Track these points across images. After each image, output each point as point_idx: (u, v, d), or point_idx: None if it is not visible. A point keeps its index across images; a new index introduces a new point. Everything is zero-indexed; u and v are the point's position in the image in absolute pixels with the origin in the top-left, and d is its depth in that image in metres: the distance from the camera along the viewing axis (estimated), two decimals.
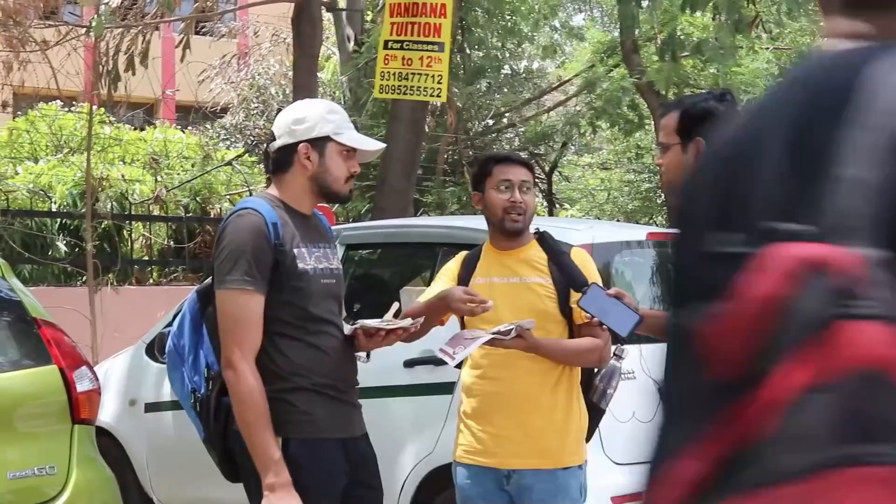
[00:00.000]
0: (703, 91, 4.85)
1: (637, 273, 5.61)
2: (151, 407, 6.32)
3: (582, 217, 18.66)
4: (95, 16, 9.19)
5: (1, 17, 9.95)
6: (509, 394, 3.73)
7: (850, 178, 0.89)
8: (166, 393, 6.16)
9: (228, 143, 16.88)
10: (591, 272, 3.78)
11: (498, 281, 3.78)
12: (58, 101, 13.78)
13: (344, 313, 3.51)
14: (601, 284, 3.63)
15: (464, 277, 3.86)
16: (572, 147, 18.76)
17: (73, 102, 14.79)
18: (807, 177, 0.92)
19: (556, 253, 3.73)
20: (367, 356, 3.54)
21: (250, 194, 9.97)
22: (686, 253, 1.03)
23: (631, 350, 4.28)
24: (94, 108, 10.78)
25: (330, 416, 3.32)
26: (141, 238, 12.41)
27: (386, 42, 8.23)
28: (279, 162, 3.41)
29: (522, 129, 17.58)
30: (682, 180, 3.22)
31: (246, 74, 17.68)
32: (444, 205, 14.78)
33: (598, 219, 17.45)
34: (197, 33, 17.06)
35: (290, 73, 12.69)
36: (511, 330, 3.52)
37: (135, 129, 15.88)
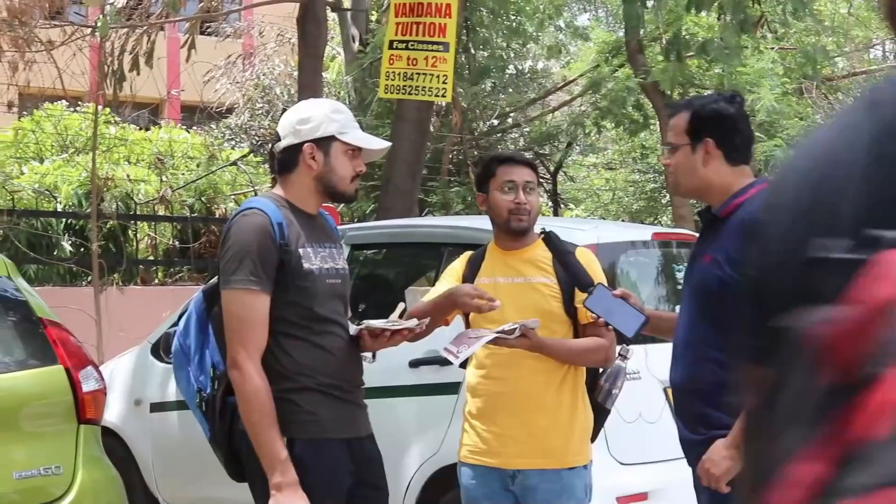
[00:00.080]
0: (713, 92, 4.85)
1: (642, 273, 5.61)
2: (157, 407, 6.32)
3: (587, 217, 18.65)
4: (101, 16, 9.21)
5: (6, 17, 9.96)
6: (514, 394, 3.73)
7: None
8: (171, 393, 6.16)
9: (233, 143, 16.89)
10: (597, 272, 3.78)
11: (503, 281, 3.78)
12: (63, 101, 13.79)
13: (349, 313, 3.51)
14: (606, 284, 3.63)
15: (468, 277, 3.86)
16: (577, 147, 18.75)
17: (79, 102, 14.81)
18: None
19: (562, 253, 3.73)
20: (373, 356, 3.54)
21: (255, 194, 9.98)
22: (775, 259, 1.05)
23: (636, 350, 4.28)
24: (100, 108, 10.80)
25: (335, 416, 3.32)
26: (146, 238, 12.42)
27: (391, 42, 8.23)
28: (284, 162, 3.41)
29: (527, 129, 17.57)
30: (693, 180, 3.22)
31: (251, 74, 17.69)
32: (449, 205, 14.78)
33: (603, 219, 17.44)
34: (202, 33, 17.09)
35: (295, 73, 12.69)
36: (515, 329, 3.52)
37: (140, 129, 15.89)
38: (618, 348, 3.77)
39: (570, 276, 3.70)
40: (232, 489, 3.87)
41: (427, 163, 12.37)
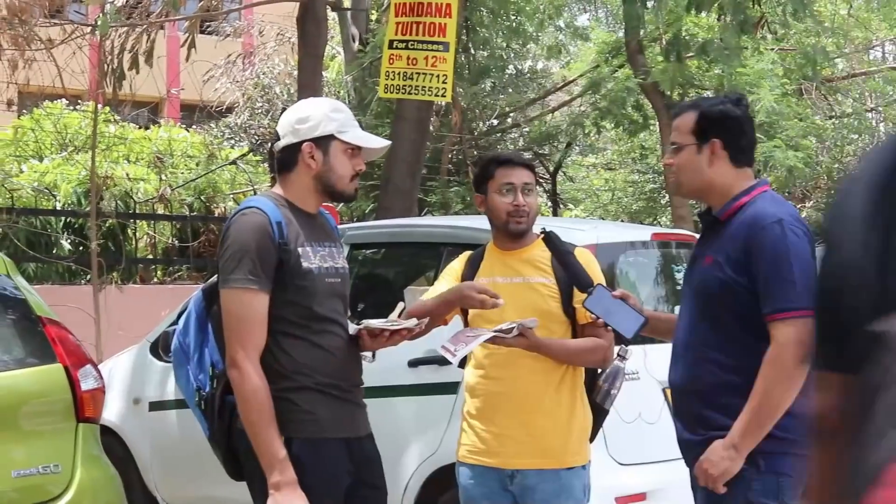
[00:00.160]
0: (718, 94, 4.85)
1: (641, 273, 5.61)
2: (155, 406, 6.32)
3: (586, 217, 18.65)
4: (101, 14, 9.21)
5: (6, 15, 9.96)
6: (513, 394, 3.73)
7: None
8: (170, 392, 6.16)
9: (233, 142, 16.89)
10: (596, 272, 3.78)
11: (501, 281, 3.78)
12: (63, 99, 13.80)
13: (348, 313, 3.50)
14: (605, 285, 3.63)
15: (467, 277, 3.86)
16: (577, 147, 18.75)
17: (79, 101, 14.81)
18: None
19: (562, 253, 3.73)
20: (373, 356, 3.53)
21: (255, 193, 9.99)
22: (857, 268, 1.05)
23: (635, 351, 4.28)
24: (99, 106, 10.79)
25: (333, 415, 3.31)
26: (145, 237, 12.42)
27: (391, 42, 8.24)
28: (284, 161, 3.41)
29: (527, 129, 17.57)
30: (697, 180, 3.24)
31: (251, 74, 17.69)
32: (449, 204, 14.78)
33: (603, 219, 17.44)
34: (202, 32, 17.08)
35: (295, 73, 12.69)
36: (513, 328, 3.52)
37: (139, 127, 15.89)
38: (616, 349, 3.77)
39: (570, 276, 3.70)
40: (231, 488, 3.87)
41: (426, 162, 12.37)
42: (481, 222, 4.33)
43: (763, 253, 3.13)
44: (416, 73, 8.08)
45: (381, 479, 3.49)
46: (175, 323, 5.65)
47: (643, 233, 5.90)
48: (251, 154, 15.37)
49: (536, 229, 3.86)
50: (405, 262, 6.20)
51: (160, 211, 12.41)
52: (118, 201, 11.68)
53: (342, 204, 7.90)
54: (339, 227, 4.45)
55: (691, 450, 3.28)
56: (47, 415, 4.45)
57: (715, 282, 3.21)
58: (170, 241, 12.48)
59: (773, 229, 3.13)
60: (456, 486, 3.88)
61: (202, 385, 3.37)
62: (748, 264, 3.16)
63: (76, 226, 11.69)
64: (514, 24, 15.02)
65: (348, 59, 15.01)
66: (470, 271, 3.87)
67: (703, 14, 12.08)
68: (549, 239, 3.74)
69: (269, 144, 3.58)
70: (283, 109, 4.86)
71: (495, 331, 3.52)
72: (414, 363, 5.07)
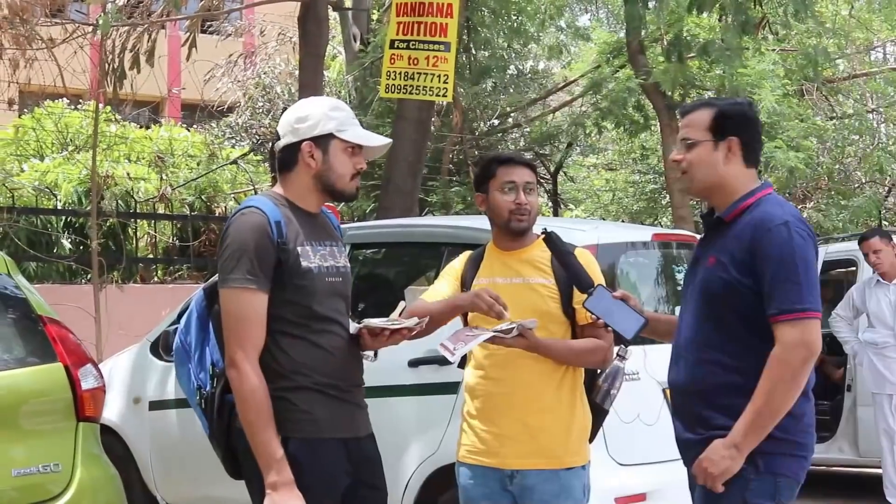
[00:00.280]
0: (721, 96, 4.85)
1: (642, 274, 5.61)
2: (156, 405, 6.32)
3: (587, 217, 18.64)
4: (102, 14, 9.21)
5: (8, 14, 9.96)
6: (512, 394, 3.73)
7: None
8: (170, 391, 6.17)
9: (234, 141, 16.90)
10: (596, 273, 3.78)
11: (501, 281, 3.77)
12: (64, 98, 13.80)
13: (350, 312, 3.50)
14: (605, 285, 3.63)
15: (467, 277, 3.86)
16: (577, 147, 18.75)
17: (80, 100, 14.81)
18: None
19: (562, 253, 3.73)
20: (375, 355, 3.52)
21: (255, 193, 9.98)
22: None
23: (635, 351, 4.28)
24: (100, 106, 10.80)
25: (332, 415, 3.30)
26: (146, 236, 12.42)
27: (392, 41, 8.24)
28: (284, 161, 3.41)
29: (528, 130, 17.57)
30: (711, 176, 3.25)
31: (252, 73, 17.69)
32: (449, 204, 14.79)
33: (603, 219, 17.44)
34: (203, 32, 17.10)
35: (296, 72, 12.69)
36: (513, 329, 3.52)
37: (140, 127, 15.90)
38: (616, 349, 3.77)
39: (571, 276, 3.69)
40: (230, 487, 3.87)
41: (427, 162, 12.37)
42: (482, 222, 4.32)
43: (769, 255, 3.13)
44: (418, 72, 8.09)
45: (381, 479, 3.48)
46: (175, 322, 5.66)
47: (644, 233, 5.89)
48: (252, 154, 15.37)
49: (537, 229, 3.85)
50: (406, 262, 6.20)
51: (161, 210, 12.41)
52: (119, 201, 11.69)
53: (343, 203, 7.90)
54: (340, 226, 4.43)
55: (690, 449, 3.28)
56: (47, 414, 4.44)
57: (719, 282, 3.22)
58: (170, 241, 12.48)
59: (779, 231, 3.14)
60: (456, 486, 3.88)
61: (203, 384, 3.37)
62: (753, 266, 3.16)
63: (77, 225, 11.69)
64: (515, 24, 15.03)
65: (349, 59, 15.01)
66: (470, 271, 3.87)
67: (705, 14, 12.07)
68: (550, 239, 3.74)
69: (270, 144, 3.58)
70: (284, 109, 4.86)
71: (495, 331, 3.52)
72: (414, 363, 5.07)
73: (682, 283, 4.44)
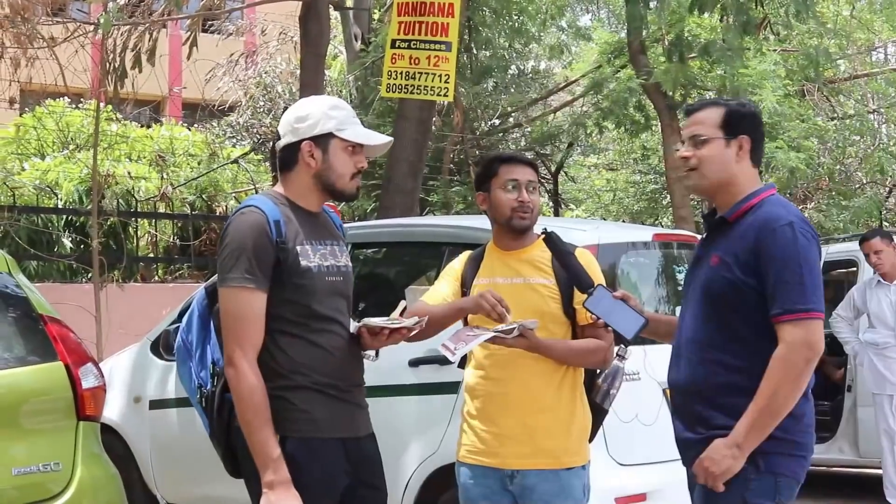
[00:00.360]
0: (731, 97, 4.87)
1: (642, 274, 5.60)
2: (156, 404, 6.32)
3: (587, 217, 18.64)
4: (103, 13, 9.21)
5: (9, 13, 9.96)
6: (513, 394, 3.72)
7: None
8: (171, 390, 6.17)
9: (235, 140, 16.90)
10: (596, 273, 3.78)
11: (501, 281, 3.77)
12: (65, 97, 13.80)
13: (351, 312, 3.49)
14: (606, 285, 3.63)
15: (468, 277, 3.86)
16: (578, 147, 18.76)
17: (81, 99, 14.81)
18: None
19: (563, 254, 3.72)
20: (377, 354, 3.52)
21: (256, 192, 9.99)
22: None
23: (635, 351, 4.28)
24: (101, 105, 10.79)
25: (331, 415, 3.30)
26: (146, 235, 12.42)
27: (393, 41, 8.24)
28: (284, 160, 3.41)
29: (528, 129, 17.58)
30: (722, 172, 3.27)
31: (253, 73, 17.69)
32: (450, 204, 14.79)
33: (604, 219, 17.44)
34: (204, 31, 17.09)
35: (297, 72, 12.69)
36: (514, 329, 3.52)
37: (141, 126, 15.89)
38: (616, 349, 3.77)
39: (571, 276, 3.69)
40: (230, 487, 3.87)
41: (428, 162, 12.38)
42: (482, 222, 4.32)
43: (773, 255, 3.14)
44: (419, 72, 8.09)
45: (381, 479, 3.48)
46: (176, 321, 5.66)
47: (645, 233, 5.89)
48: (253, 153, 15.37)
49: (537, 229, 3.85)
50: (406, 262, 6.20)
51: (162, 209, 12.41)
52: (120, 200, 11.69)
53: (343, 203, 7.90)
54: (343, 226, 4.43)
55: (691, 448, 3.28)
56: (48, 413, 4.45)
57: (722, 282, 3.22)
58: (171, 240, 12.48)
59: (784, 232, 3.15)
60: (456, 485, 3.88)
61: (203, 382, 3.37)
62: (757, 266, 3.17)
63: (77, 224, 11.68)
64: (516, 23, 15.03)
65: (350, 59, 15.02)
66: (470, 271, 3.87)
67: (706, 15, 12.07)
68: (550, 239, 3.74)
69: (271, 143, 3.58)
70: (285, 108, 4.86)
71: (496, 331, 3.52)
72: (414, 363, 5.07)
73: (682, 283, 4.44)
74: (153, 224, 12.34)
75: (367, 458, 3.42)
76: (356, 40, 14.85)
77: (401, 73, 8.13)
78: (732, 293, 3.20)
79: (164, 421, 6.28)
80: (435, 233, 5.81)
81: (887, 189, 17.90)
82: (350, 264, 3.49)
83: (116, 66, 10.09)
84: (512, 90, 17.10)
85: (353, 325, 3.39)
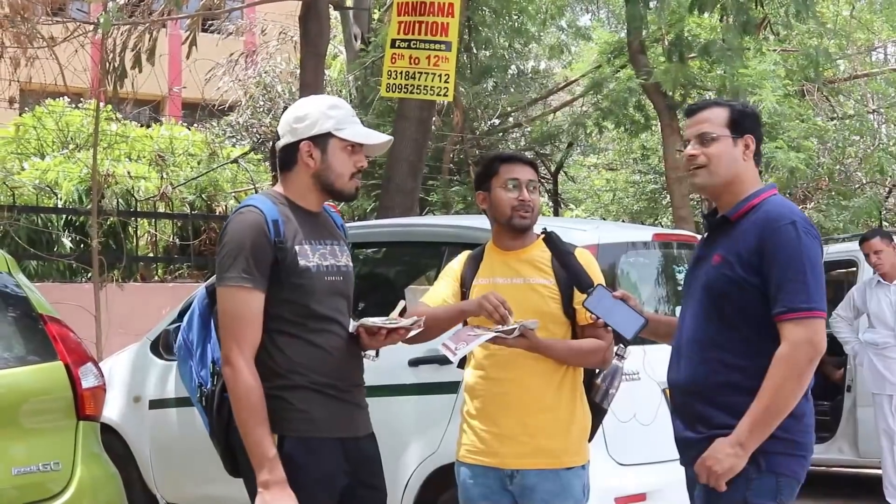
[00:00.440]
0: (730, 98, 4.90)
1: (642, 274, 5.60)
2: (156, 404, 6.32)
3: (587, 217, 18.64)
4: (103, 12, 9.22)
5: (9, 13, 9.96)
6: (513, 394, 3.72)
7: None
8: (170, 390, 6.17)
9: (234, 140, 16.90)
10: (596, 273, 3.78)
11: (501, 281, 3.77)
12: (65, 97, 13.79)
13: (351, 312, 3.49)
14: (605, 285, 3.63)
15: (467, 277, 3.86)
16: (578, 147, 18.76)
17: (80, 99, 14.81)
18: None
19: (562, 253, 3.73)
20: (377, 354, 3.52)
21: (256, 192, 9.98)
22: None
23: (635, 351, 4.28)
24: (101, 104, 10.79)
25: (330, 415, 3.30)
26: (146, 235, 12.42)
27: (393, 41, 8.24)
28: (284, 160, 3.41)
29: (528, 129, 17.58)
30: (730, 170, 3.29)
31: (253, 72, 17.69)
32: (450, 204, 14.79)
33: (604, 219, 17.44)
34: (204, 31, 17.10)
35: (297, 72, 12.69)
36: (515, 329, 3.52)
37: (141, 125, 15.89)
38: (615, 348, 3.77)
39: (571, 276, 3.69)
40: (230, 486, 3.87)
41: (428, 162, 12.38)
42: (482, 222, 4.32)
43: (777, 253, 3.15)
44: (419, 72, 8.09)
45: (380, 479, 3.47)
46: (176, 321, 5.65)
47: (644, 233, 5.89)
48: (252, 153, 15.38)
49: (537, 229, 3.85)
50: (406, 262, 6.20)
51: (161, 209, 12.41)
52: (119, 199, 11.69)
53: (343, 202, 7.89)
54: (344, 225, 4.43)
55: (691, 448, 3.28)
56: (48, 412, 4.44)
57: (724, 280, 3.22)
58: (171, 240, 12.48)
59: (788, 230, 3.16)
60: (455, 485, 3.88)
61: (204, 381, 3.37)
62: (760, 264, 3.17)
63: (77, 223, 11.69)
64: (516, 23, 15.04)
65: (350, 58, 15.03)
66: (469, 271, 3.86)
67: (706, 15, 12.07)
68: (550, 239, 3.74)
69: (271, 143, 3.58)
70: (285, 108, 4.86)
71: (497, 331, 3.52)
72: (414, 362, 5.07)
73: (682, 283, 4.44)
74: (153, 224, 12.35)
75: (366, 458, 3.41)
76: (356, 40, 14.85)
77: (401, 72, 8.13)
78: (735, 292, 3.21)
79: (163, 420, 6.27)
80: (434, 232, 5.81)
81: (887, 189, 17.90)
82: (351, 264, 3.48)
83: (116, 65, 10.10)
84: (512, 90, 17.11)
85: (352, 325, 3.39)
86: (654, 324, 3.63)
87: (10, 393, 4.31)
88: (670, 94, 12.67)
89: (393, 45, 8.22)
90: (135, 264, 11.79)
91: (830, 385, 8.34)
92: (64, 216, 11.68)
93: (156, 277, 12.15)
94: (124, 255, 11.16)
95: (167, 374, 6.21)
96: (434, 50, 8.07)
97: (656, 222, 17.97)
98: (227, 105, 17.44)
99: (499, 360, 3.73)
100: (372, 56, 13.79)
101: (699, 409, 3.26)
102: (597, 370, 3.85)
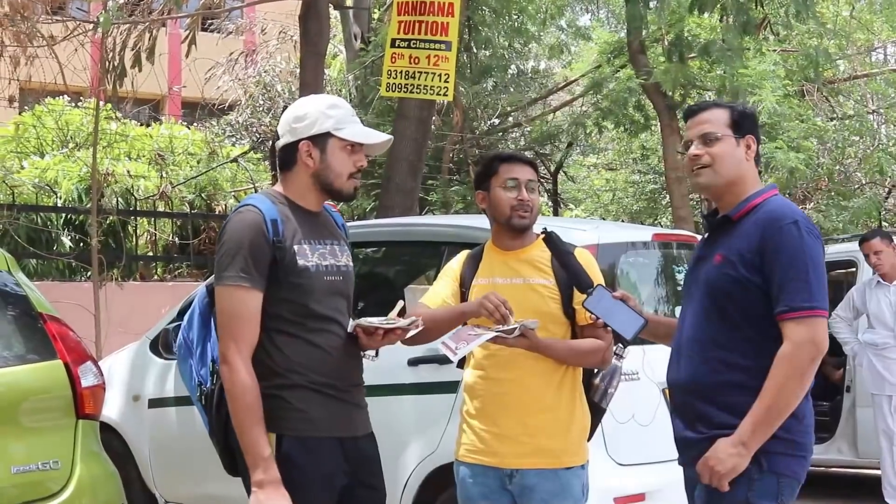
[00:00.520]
0: (729, 99, 4.92)
1: (642, 274, 5.60)
2: (155, 403, 6.32)
3: (587, 217, 18.64)
4: (103, 11, 9.21)
5: (9, 12, 9.96)
6: (512, 394, 3.72)
7: None
8: (170, 389, 6.17)
9: (234, 139, 16.90)
10: (595, 273, 3.78)
11: (501, 281, 3.77)
12: (64, 96, 13.80)
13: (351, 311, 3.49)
14: (605, 285, 3.63)
15: (466, 277, 3.86)
16: (578, 147, 18.75)
17: (80, 98, 14.81)
18: None
19: (562, 253, 3.72)
20: (377, 353, 3.51)
21: (255, 191, 9.98)
22: None
23: (634, 351, 4.28)
24: (101, 103, 10.79)
25: (328, 414, 3.29)
26: (146, 234, 12.42)
27: (393, 40, 8.24)
28: (283, 160, 3.41)
29: (528, 129, 17.58)
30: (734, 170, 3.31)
31: (253, 72, 17.69)
32: (449, 203, 14.79)
33: (603, 219, 17.44)
34: (204, 30, 17.10)
35: (297, 71, 12.69)
36: (515, 329, 3.52)
37: (141, 125, 15.89)
38: (613, 348, 3.77)
39: (571, 276, 3.69)
40: (229, 485, 3.87)
41: (428, 161, 12.37)
42: (482, 221, 4.32)
43: (779, 253, 3.15)
44: (418, 71, 8.09)
45: (379, 479, 3.47)
46: (175, 320, 5.66)
47: (644, 233, 5.89)
48: (252, 152, 15.38)
49: (537, 229, 3.85)
50: (406, 261, 6.20)
51: (161, 208, 12.41)
52: (119, 198, 11.69)
53: (343, 202, 7.89)
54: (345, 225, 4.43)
55: (691, 447, 3.28)
56: (47, 411, 4.45)
57: (726, 279, 3.23)
58: (170, 239, 12.48)
59: (790, 230, 3.16)
60: (455, 485, 3.88)
61: (204, 380, 3.37)
62: (762, 264, 3.17)
63: (77, 222, 11.68)
64: (516, 23, 15.04)
65: (350, 58, 15.02)
66: (468, 271, 3.86)
67: (706, 15, 12.07)
68: (550, 239, 3.74)
69: (271, 143, 3.58)
70: (285, 108, 4.87)
71: (497, 331, 3.52)
72: (414, 362, 5.07)
73: (682, 283, 4.44)
74: (152, 223, 12.34)
75: (365, 457, 3.41)
76: (356, 39, 14.85)
77: (400, 72, 8.13)
78: (737, 291, 3.21)
79: (162, 419, 6.27)
80: (434, 232, 5.81)
81: (886, 189, 17.90)
82: (351, 264, 3.48)
83: (116, 64, 10.09)
84: (512, 90, 17.11)
85: (349, 325, 3.39)
86: (654, 324, 3.63)
87: (10, 391, 4.32)
88: (670, 94, 12.67)
89: (393, 45, 8.22)
90: (134, 263, 11.79)
91: (830, 385, 8.34)
92: (63, 215, 11.67)
93: (155, 276, 12.15)
94: (124, 254, 11.15)
95: (166, 373, 6.21)
96: (434, 49, 8.07)
97: (656, 222, 17.97)
98: (226, 104, 17.44)
99: (499, 360, 3.73)
100: (372, 55, 13.79)
101: (700, 408, 3.26)
102: (595, 370, 3.85)
